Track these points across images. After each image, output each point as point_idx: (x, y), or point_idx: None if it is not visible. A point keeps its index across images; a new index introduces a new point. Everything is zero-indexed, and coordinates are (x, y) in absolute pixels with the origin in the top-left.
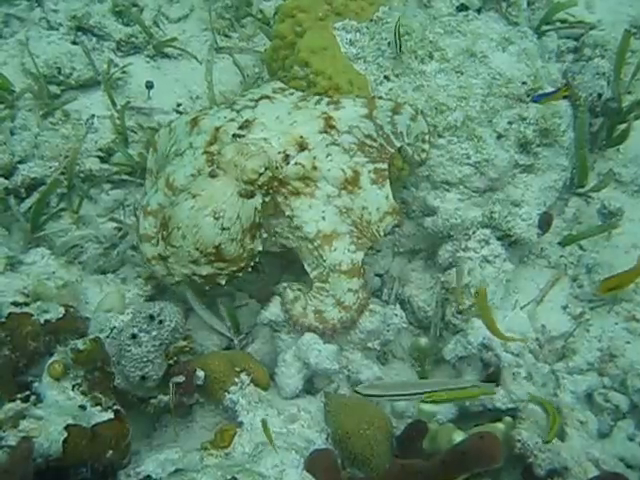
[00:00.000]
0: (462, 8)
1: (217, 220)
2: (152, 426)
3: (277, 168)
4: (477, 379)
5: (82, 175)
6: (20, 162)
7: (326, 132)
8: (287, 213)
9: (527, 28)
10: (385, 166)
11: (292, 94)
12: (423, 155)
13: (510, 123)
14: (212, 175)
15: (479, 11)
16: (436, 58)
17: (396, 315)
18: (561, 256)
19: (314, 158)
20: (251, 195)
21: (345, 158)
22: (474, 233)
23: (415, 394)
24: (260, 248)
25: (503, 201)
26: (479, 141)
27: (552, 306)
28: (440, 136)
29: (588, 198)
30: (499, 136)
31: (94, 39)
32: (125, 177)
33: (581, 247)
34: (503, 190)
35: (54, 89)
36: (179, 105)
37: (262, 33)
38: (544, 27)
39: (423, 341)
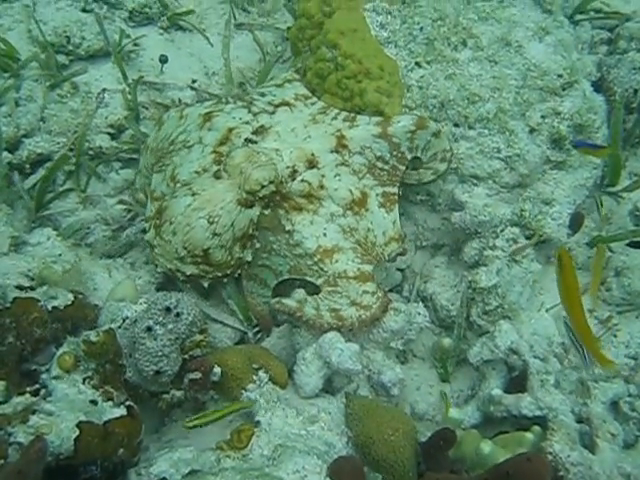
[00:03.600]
0: None
1: (211, 224)
2: (161, 420)
3: (282, 182)
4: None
5: (91, 152)
6: (25, 136)
7: (337, 152)
8: (287, 228)
9: (563, 17)
10: (395, 190)
11: (314, 104)
12: (431, 176)
13: (544, 117)
14: (216, 176)
15: None
16: (470, 46)
17: (419, 314)
18: (589, 257)
19: (322, 176)
20: (250, 205)
21: (354, 179)
22: (502, 231)
23: None
24: (249, 259)
25: (534, 199)
26: (511, 135)
27: None
28: (471, 128)
29: (619, 198)
30: (532, 130)
31: (105, 7)
32: (136, 156)
33: (610, 249)
34: (533, 186)
35: (62, 59)
36: (194, 82)
37: (285, 9)
38: (578, 16)
39: (446, 342)
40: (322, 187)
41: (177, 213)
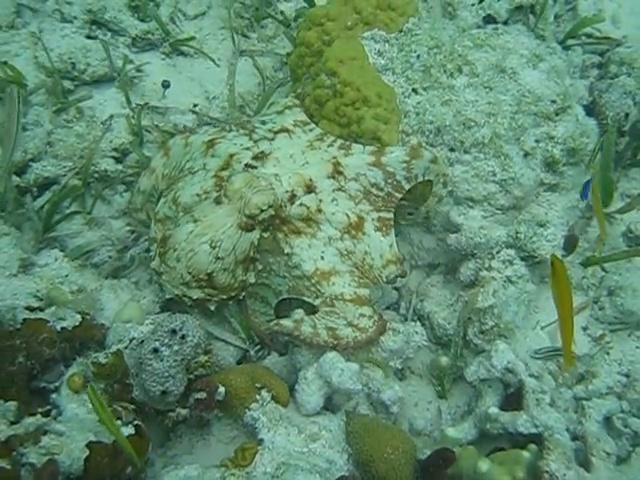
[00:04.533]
0: (489, 19)
1: (213, 249)
2: (166, 435)
3: (282, 207)
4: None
5: (96, 175)
6: (32, 160)
7: (334, 177)
8: (286, 250)
9: (556, 44)
10: (390, 215)
11: (312, 130)
12: (436, 203)
13: (537, 141)
14: (217, 202)
15: (506, 23)
16: (465, 72)
17: (417, 333)
18: (583, 277)
19: (320, 201)
20: (250, 229)
21: (350, 204)
22: (498, 253)
23: None
24: (252, 280)
25: (528, 221)
26: (506, 159)
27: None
28: (466, 152)
29: (612, 219)
30: (526, 154)
31: (109, 34)
32: None
33: (603, 268)
34: (527, 208)
35: (67, 84)
36: (195, 105)
37: (285, 37)
38: (570, 41)
39: (444, 360)
40: (320, 211)
41: (180, 240)
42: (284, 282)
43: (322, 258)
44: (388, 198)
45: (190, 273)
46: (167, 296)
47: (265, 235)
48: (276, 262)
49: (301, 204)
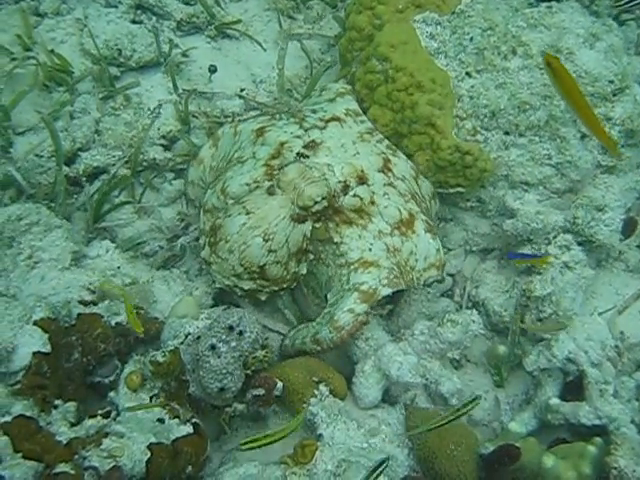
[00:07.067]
0: None
1: (266, 242)
2: (222, 429)
3: (335, 197)
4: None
5: (145, 164)
6: (80, 149)
7: (384, 172)
8: (335, 239)
9: (612, 21)
10: (433, 224)
11: (363, 122)
12: None
13: None
14: (270, 193)
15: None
16: (519, 54)
17: (474, 321)
18: None
19: (373, 193)
20: (303, 220)
21: (401, 201)
22: (555, 238)
23: None
24: (304, 271)
25: (586, 206)
26: (562, 141)
27: (631, 312)
28: (522, 135)
29: None
30: (583, 136)
31: (154, 18)
32: None
33: None
34: (584, 191)
35: (114, 71)
36: (242, 90)
37: (335, 21)
38: (624, 16)
39: (501, 349)
40: (373, 203)
41: (232, 232)
42: (326, 272)
43: (370, 250)
44: (427, 211)
45: (242, 265)
46: (217, 285)
47: (317, 226)
48: (324, 250)
49: (355, 195)
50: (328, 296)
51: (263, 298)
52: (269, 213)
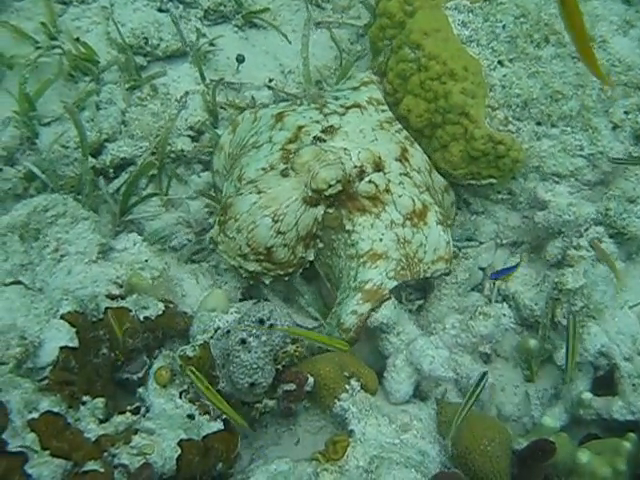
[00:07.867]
0: None
1: (275, 223)
2: (251, 426)
3: (350, 182)
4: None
5: (172, 155)
6: (107, 140)
7: (401, 161)
8: (347, 227)
9: None
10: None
11: (384, 111)
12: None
13: (627, 113)
14: (283, 174)
15: None
16: (552, 42)
17: (504, 315)
18: None
19: (389, 181)
20: (315, 204)
21: (416, 191)
22: (587, 230)
23: None
24: (311, 258)
25: (618, 197)
26: (594, 132)
27: None
28: (554, 126)
29: None
30: (615, 127)
31: (181, 7)
32: None
33: None
34: (615, 183)
35: (140, 60)
36: (271, 81)
37: (362, 7)
38: None
39: (532, 343)
40: (388, 191)
41: (242, 210)
42: (338, 263)
43: (380, 240)
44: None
45: (249, 245)
46: (223, 265)
47: (330, 211)
48: (337, 239)
49: (370, 181)
50: (337, 292)
51: (267, 282)
52: (281, 194)
